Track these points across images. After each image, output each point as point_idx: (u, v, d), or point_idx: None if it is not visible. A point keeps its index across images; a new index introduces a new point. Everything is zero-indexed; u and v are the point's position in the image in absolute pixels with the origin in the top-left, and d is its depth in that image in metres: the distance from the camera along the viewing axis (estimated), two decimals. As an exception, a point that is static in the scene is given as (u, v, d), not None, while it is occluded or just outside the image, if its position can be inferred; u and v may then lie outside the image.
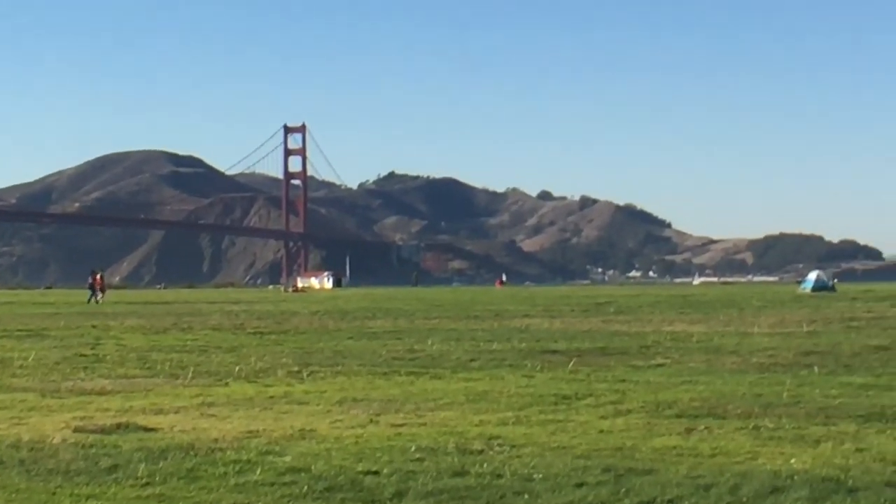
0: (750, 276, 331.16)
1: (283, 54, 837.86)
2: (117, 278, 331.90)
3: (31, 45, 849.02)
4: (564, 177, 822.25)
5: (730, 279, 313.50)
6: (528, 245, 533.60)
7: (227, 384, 20.91)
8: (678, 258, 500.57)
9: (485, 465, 12.09)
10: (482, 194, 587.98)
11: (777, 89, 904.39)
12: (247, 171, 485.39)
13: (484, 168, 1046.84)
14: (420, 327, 40.67)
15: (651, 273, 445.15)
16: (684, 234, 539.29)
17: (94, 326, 42.23)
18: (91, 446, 13.48)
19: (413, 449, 13.13)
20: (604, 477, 11.45)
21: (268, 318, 51.10)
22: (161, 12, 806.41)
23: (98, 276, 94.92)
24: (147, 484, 11.27)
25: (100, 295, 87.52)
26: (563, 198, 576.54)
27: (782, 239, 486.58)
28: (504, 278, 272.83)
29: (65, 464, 12.38)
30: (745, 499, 10.47)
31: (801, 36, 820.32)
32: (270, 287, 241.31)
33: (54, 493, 10.92)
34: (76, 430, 14.85)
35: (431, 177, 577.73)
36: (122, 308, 66.83)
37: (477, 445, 13.41)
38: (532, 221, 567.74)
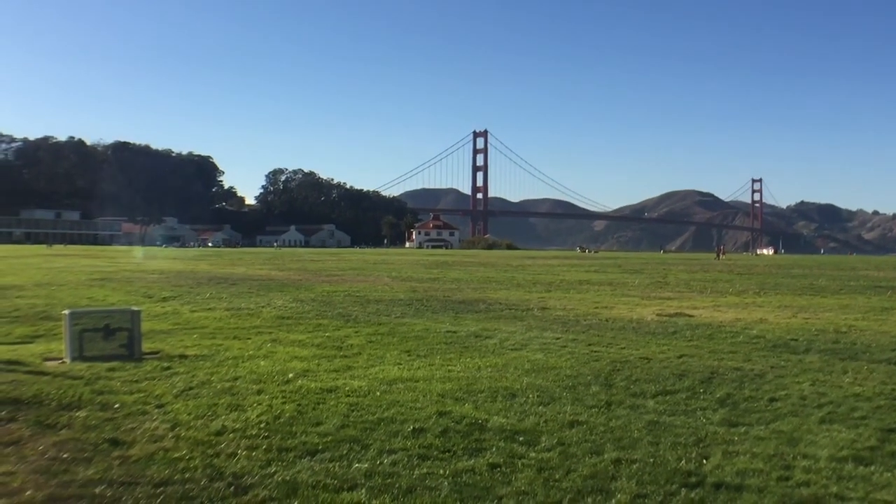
0: None
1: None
2: (681, 247, 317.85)
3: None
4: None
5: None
6: (866, 234, 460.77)
7: (725, 297, 19.83)
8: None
9: (847, 339, 11.30)
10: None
11: None
12: (737, 199, 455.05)
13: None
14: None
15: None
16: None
17: (663, 268, 40.53)
18: (663, 322, 13.47)
19: (813, 330, 12.46)
20: (907, 347, 10.39)
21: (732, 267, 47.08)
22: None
23: (721, 248, 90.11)
24: (691, 340, 11.06)
25: (721, 256, 75.55)
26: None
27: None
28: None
29: (652, 329, 12.51)
30: None
31: None
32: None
33: (648, 343, 10.69)
34: (657, 314, 14.91)
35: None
36: (675, 259, 62.95)
37: (843, 329, 12.50)
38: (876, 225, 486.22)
